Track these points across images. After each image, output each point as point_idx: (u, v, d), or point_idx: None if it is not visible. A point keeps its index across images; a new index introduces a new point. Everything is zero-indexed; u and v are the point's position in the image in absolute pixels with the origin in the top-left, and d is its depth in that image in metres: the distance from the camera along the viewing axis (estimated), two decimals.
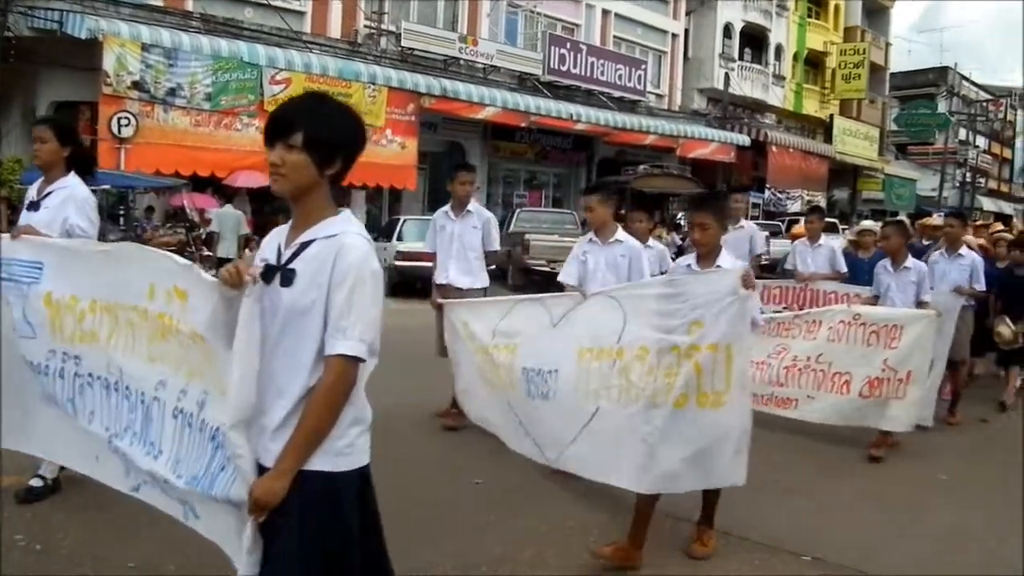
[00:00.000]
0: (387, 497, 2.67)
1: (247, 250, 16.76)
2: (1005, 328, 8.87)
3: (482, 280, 7.23)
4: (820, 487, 5.99)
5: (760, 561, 4.61)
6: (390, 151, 20.59)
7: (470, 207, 7.17)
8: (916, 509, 5.66)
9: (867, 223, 10.96)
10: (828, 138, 39.23)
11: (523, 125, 24.96)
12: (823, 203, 36.71)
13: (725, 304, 4.23)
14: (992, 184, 56.26)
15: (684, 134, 29.47)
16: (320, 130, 2.47)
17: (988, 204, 52.03)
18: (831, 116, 39.56)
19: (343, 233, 2.48)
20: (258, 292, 2.46)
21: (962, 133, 51.21)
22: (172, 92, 17.63)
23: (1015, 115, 59.97)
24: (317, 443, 2.40)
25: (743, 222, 9.36)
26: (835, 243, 9.37)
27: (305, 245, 2.48)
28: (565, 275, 5.99)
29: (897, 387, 6.57)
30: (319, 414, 2.39)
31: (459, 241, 7.10)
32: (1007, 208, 53.37)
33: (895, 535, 5.11)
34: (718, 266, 4.61)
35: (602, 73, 27.97)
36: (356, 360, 2.40)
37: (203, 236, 16.09)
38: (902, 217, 9.19)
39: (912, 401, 6.56)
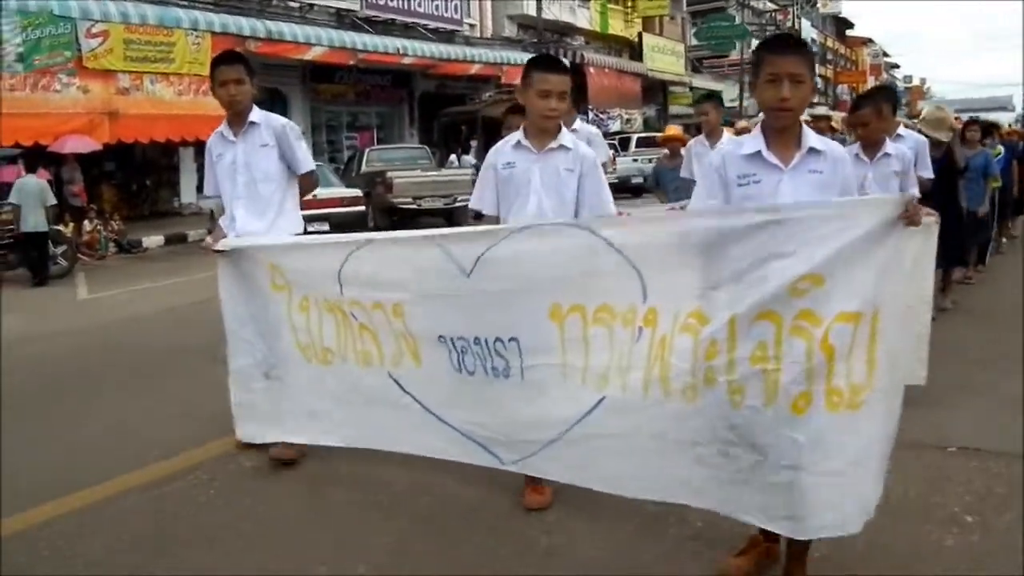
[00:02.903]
0: None
1: (71, 223, 16.15)
2: None
3: (289, 223, 5.06)
4: None
5: (914, 458, 4.39)
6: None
7: (254, 117, 4.96)
8: (992, 388, 5.86)
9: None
10: (634, 56, 41.02)
11: (351, 63, 24.94)
12: (639, 120, 38.66)
13: (869, 251, 2.91)
14: None
15: (507, 61, 30.26)
16: None
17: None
18: (639, 34, 41.36)
19: None
20: None
21: (754, 43, 54.57)
22: None
23: (800, 23, 64.35)
24: None
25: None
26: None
27: None
28: (478, 200, 4.32)
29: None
30: None
31: (245, 171, 4.96)
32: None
33: (1000, 413, 5.32)
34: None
35: (419, 5, 28.26)
36: None
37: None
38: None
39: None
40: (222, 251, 4.80)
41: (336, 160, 26.11)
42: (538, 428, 3.65)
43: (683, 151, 8.52)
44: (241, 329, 4.84)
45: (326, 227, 13.65)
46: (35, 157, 15.99)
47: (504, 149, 4.19)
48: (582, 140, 7.02)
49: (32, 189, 13.53)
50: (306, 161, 5.15)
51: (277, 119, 5.09)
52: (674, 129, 10.83)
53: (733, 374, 3.03)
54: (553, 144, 4.07)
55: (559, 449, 3.60)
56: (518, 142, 4.13)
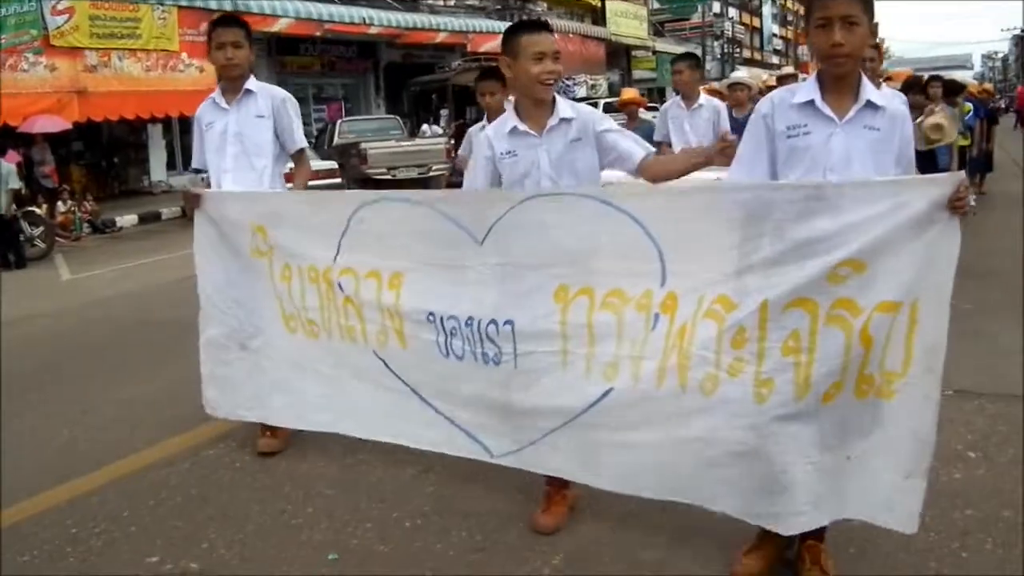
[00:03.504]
0: None
1: (42, 205, 16.00)
2: None
3: None
4: None
5: None
6: (188, 76, 20.14)
7: (250, 85, 4.71)
8: (984, 335, 6.04)
9: (739, 73, 10.82)
10: (597, 21, 41.04)
11: (317, 34, 24.85)
12: (604, 86, 38.73)
13: (915, 235, 2.69)
14: (747, 54, 60.63)
15: (473, 29, 30.25)
16: None
17: (745, 73, 56.31)
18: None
19: None
20: None
21: (715, 6, 54.79)
22: None
23: None
24: None
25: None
26: (717, 102, 7.90)
27: None
28: (473, 183, 3.85)
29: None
30: None
31: (237, 141, 4.66)
32: (763, 75, 57.95)
33: (993, 358, 5.55)
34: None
35: None
36: None
37: (21, 190, 15.27)
38: None
39: None
40: (202, 206, 4.49)
41: (305, 133, 26.02)
42: (535, 417, 3.45)
43: (646, 114, 8.32)
44: (216, 295, 4.55)
45: None
46: (4, 138, 15.90)
47: (500, 134, 3.65)
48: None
49: (1, 172, 13.50)
50: (300, 137, 4.89)
51: (276, 90, 4.86)
52: (631, 92, 10.56)
53: (762, 365, 2.84)
54: (553, 121, 3.55)
55: (558, 439, 3.39)
56: (514, 128, 3.59)
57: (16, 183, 13.87)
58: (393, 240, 3.78)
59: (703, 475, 3.07)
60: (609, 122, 3.66)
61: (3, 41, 17.13)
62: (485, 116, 6.59)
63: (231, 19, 4.85)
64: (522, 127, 3.58)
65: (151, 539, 3.77)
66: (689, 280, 3.01)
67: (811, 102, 2.92)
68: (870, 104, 2.88)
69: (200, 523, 3.90)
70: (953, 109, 11.71)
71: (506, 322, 3.41)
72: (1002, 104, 35.71)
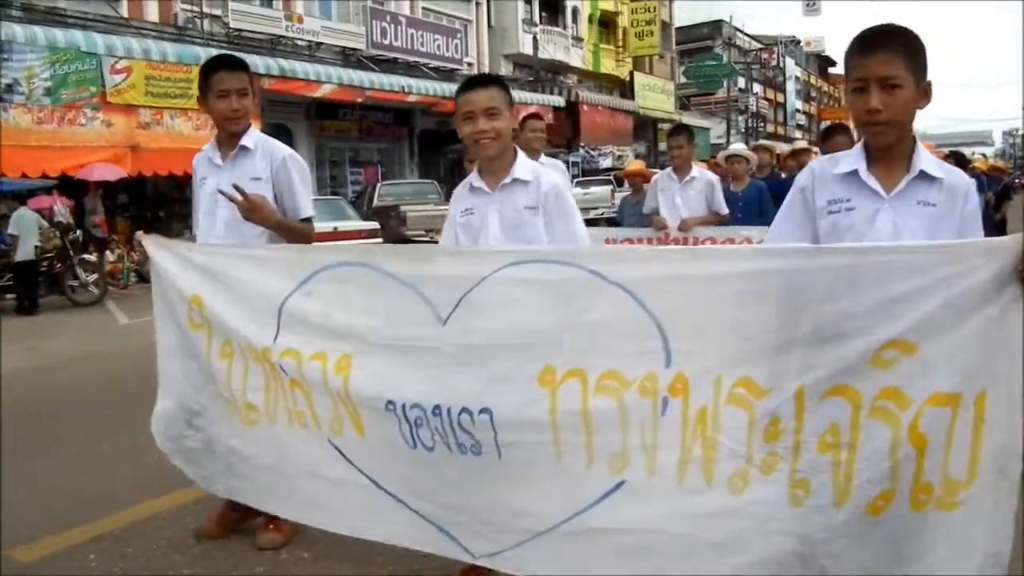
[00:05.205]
0: None
1: (93, 253, 16.72)
2: None
3: None
4: None
5: None
6: None
7: (247, 141, 4.01)
8: None
9: (737, 147, 9.94)
10: (625, 94, 42.18)
11: (359, 100, 25.79)
12: (630, 157, 39.66)
13: (976, 311, 2.27)
14: (771, 128, 61.76)
15: None
16: None
17: (742, 145, 57.34)
18: (631, 73, 42.62)
19: None
20: None
21: (740, 82, 56.00)
22: (9, 88, 17.39)
23: (784, 62, 66.04)
24: None
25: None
26: (711, 175, 7.55)
27: None
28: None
29: None
30: None
31: (228, 205, 3.85)
32: (786, 149, 59.06)
33: None
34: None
35: (422, 44, 29.27)
36: None
37: (79, 239, 16.08)
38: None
39: None
40: (152, 258, 4.04)
41: (339, 195, 26.89)
42: (524, 516, 2.91)
43: (646, 186, 8.33)
44: (167, 362, 4.06)
45: None
46: (64, 188, 16.67)
47: (462, 194, 3.51)
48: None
49: (30, 219, 14.38)
50: (305, 205, 4.09)
51: (278, 148, 4.09)
52: (637, 164, 10.34)
53: (797, 462, 2.44)
54: (507, 179, 3.36)
55: (552, 543, 2.85)
56: (471, 184, 3.46)
57: (44, 224, 14.69)
58: (344, 315, 3.26)
59: None
60: (567, 206, 3.40)
61: (63, 96, 18.03)
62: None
63: (233, 61, 4.02)
64: (478, 183, 3.44)
65: None
66: (700, 360, 2.55)
67: (854, 172, 2.61)
68: (924, 175, 2.55)
69: (302, 525, 4.37)
70: None
71: (482, 411, 2.86)
72: (1018, 180, 36.17)
